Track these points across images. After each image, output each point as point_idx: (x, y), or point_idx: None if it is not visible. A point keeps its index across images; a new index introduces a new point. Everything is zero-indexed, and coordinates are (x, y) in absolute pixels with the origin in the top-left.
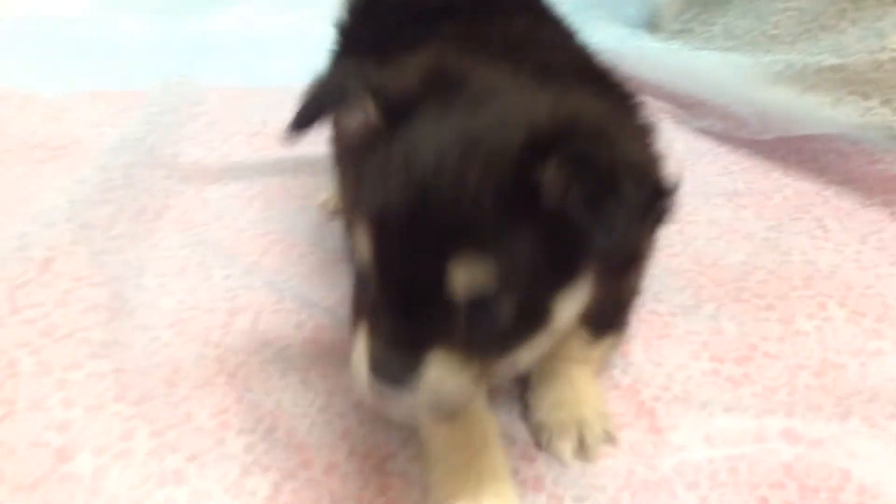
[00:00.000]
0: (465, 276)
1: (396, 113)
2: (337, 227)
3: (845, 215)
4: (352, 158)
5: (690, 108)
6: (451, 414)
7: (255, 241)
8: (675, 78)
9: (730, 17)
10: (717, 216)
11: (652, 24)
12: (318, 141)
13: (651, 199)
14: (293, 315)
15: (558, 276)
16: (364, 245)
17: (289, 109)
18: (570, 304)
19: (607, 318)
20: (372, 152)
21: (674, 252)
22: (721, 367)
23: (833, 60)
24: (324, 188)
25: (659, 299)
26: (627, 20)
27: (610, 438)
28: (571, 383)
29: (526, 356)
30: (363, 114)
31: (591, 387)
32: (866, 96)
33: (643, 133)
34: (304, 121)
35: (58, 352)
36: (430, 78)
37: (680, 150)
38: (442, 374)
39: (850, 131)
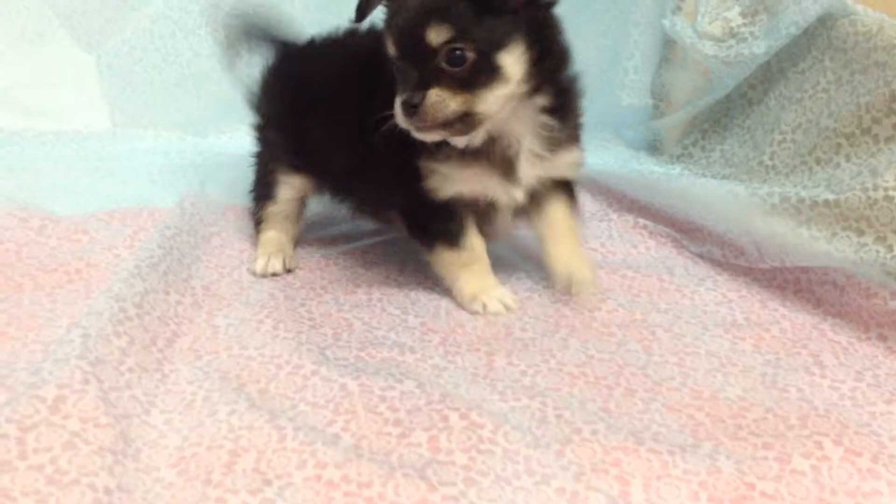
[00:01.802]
0: (435, 34)
1: None
2: (339, 349)
3: (841, 350)
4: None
5: (689, 233)
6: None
7: (262, 369)
8: (675, 202)
9: (728, 145)
10: (715, 348)
11: (653, 148)
12: None
13: None
14: (295, 454)
15: (498, 39)
16: (391, 45)
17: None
18: (513, 61)
19: (561, 104)
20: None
21: (674, 385)
22: None
23: (828, 195)
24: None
25: (657, 439)
26: (629, 143)
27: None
28: (576, 247)
29: (493, 101)
30: None
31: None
32: (860, 233)
33: None
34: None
35: (63, 500)
36: None
37: (680, 275)
38: (436, 100)
39: (845, 266)
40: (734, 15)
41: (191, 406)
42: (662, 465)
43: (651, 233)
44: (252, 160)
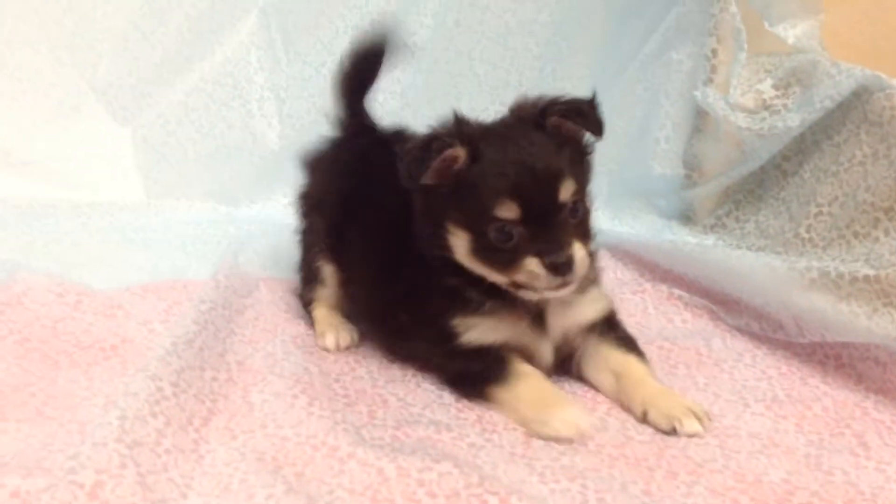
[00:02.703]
0: (566, 190)
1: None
2: (375, 428)
3: (885, 430)
4: (457, 181)
5: (726, 305)
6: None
7: (299, 450)
8: (711, 274)
9: (762, 216)
10: (757, 428)
11: (686, 218)
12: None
13: (594, 103)
14: None
15: (583, 187)
16: (511, 209)
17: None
18: (586, 207)
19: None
20: (468, 169)
21: (716, 468)
22: None
23: (867, 271)
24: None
25: None
26: (661, 212)
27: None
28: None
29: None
30: (455, 151)
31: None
32: None
33: None
34: (419, 169)
35: None
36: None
37: (718, 349)
38: (582, 253)
39: (887, 342)
40: (767, 87)
41: (227, 489)
42: None
43: (686, 304)
44: (296, 236)
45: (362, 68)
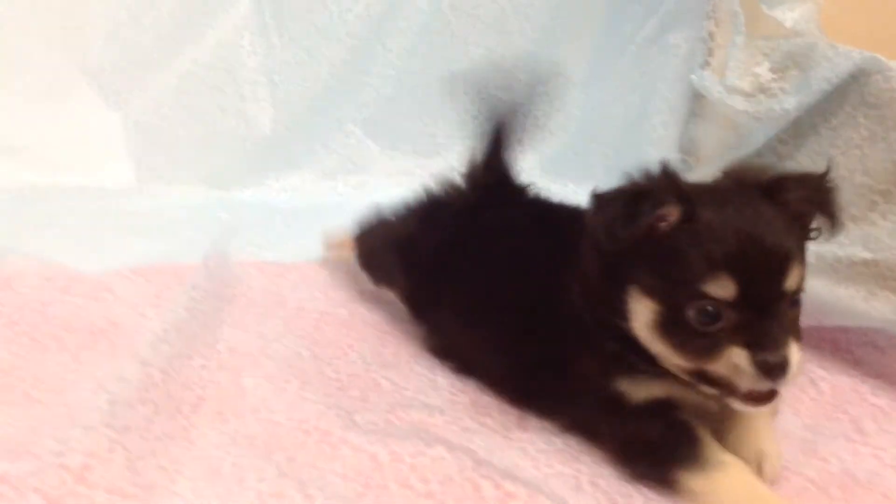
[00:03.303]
0: (794, 276)
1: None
2: (367, 412)
3: (882, 415)
4: (657, 242)
5: None
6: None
7: (290, 435)
8: None
9: None
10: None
11: None
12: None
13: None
14: None
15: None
16: (726, 287)
17: (321, 290)
18: None
19: None
20: (681, 232)
21: None
22: None
23: (865, 254)
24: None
25: None
26: None
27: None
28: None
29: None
30: (668, 209)
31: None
32: None
33: None
34: (626, 227)
35: None
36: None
37: None
38: (797, 356)
39: (885, 326)
40: (764, 70)
41: (218, 473)
42: None
43: None
44: None
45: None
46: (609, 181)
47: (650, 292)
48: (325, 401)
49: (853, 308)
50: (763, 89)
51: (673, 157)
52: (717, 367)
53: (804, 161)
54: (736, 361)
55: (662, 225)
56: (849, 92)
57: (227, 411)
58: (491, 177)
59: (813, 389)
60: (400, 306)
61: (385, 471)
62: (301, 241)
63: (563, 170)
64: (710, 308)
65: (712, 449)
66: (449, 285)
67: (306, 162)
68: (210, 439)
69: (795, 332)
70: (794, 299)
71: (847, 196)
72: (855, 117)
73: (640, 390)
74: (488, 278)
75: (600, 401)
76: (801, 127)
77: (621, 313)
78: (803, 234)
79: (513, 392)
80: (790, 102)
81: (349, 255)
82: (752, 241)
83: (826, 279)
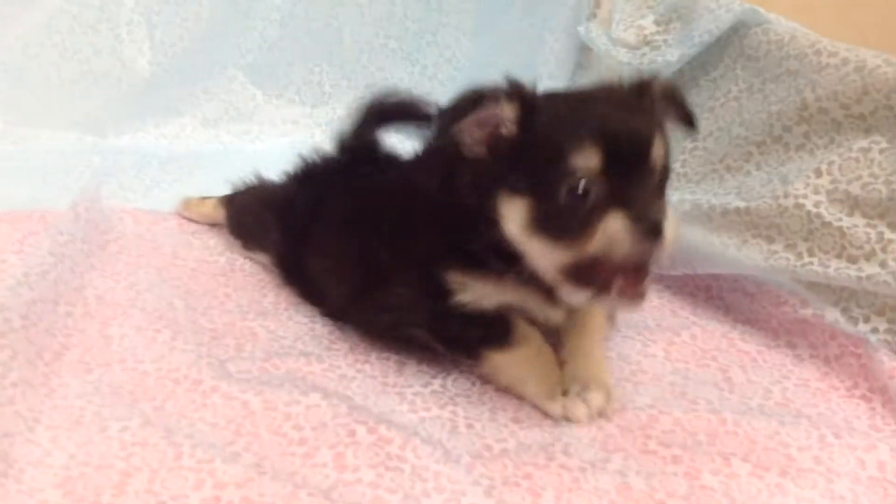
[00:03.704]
0: (658, 151)
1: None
2: (242, 361)
3: (750, 361)
4: (512, 144)
5: None
6: None
7: (159, 384)
8: None
9: None
10: (627, 351)
11: None
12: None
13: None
14: (192, 473)
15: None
16: (592, 158)
17: (200, 238)
18: None
19: None
20: (533, 126)
21: None
22: None
23: (738, 203)
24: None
25: (568, 453)
26: None
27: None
28: (591, 353)
29: None
30: (502, 106)
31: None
32: (770, 240)
33: None
34: (452, 120)
35: None
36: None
37: None
38: (675, 223)
39: (755, 273)
40: (648, 23)
41: (79, 422)
42: (573, 480)
43: None
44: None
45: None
46: None
47: (519, 190)
48: (198, 350)
49: (726, 256)
50: (647, 41)
51: None
52: (595, 243)
53: None
54: (612, 228)
55: (505, 132)
56: (729, 44)
57: (91, 360)
58: (359, 144)
59: (685, 333)
60: None
61: (257, 418)
62: (179, 189)
63: None
64: (579, 183)
65: (518, 328)
66: (317, 239)
67: (187, 108)
68: (72, 388)
69: (664, 205)
70: (662, 178)
71: (724, 147)
72: (734, 69)
73: (469, 296)
74: (351, 225)
75: (428, 294)
76: (684, 79)
77: (495, 221)
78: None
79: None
80: (673, 54)
81: (208, 216)
82: (612, 114)
83: (701, 227)
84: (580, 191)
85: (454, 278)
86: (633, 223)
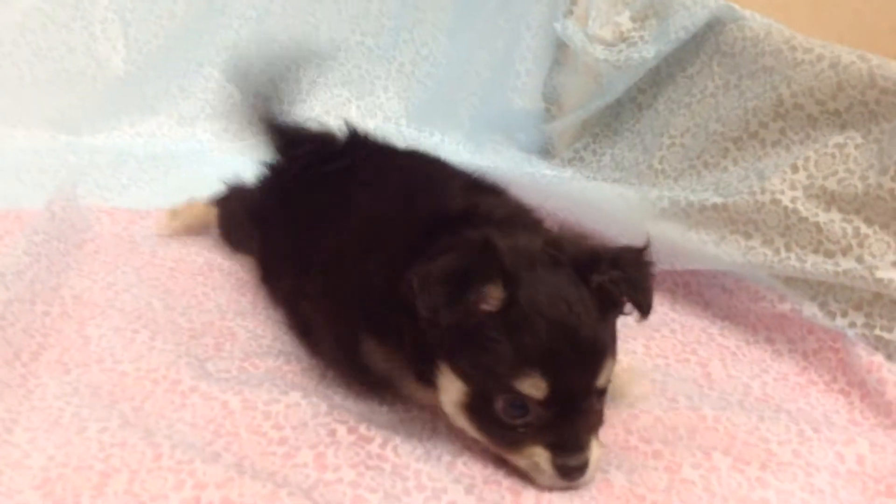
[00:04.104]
0: (606, 375)
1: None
2: (221, 361)
3: (730, 356)
4: (475, 324)
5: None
6: None
7: (138, 384)
8: (568, 206)
9: (618, 149)
10: None
11: (545, 151)
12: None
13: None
14: (172, 474)
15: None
16: (538, 387)
17: (178, 238)
18: None
19: None
20: (500, 317)
21: None
22: None
23: (716, 199)
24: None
25: None
26: (521, 146)
27: None
28: None
29: None
30: (492, 290)
31: None
32: (748, 236)
33: None
34: (450, 307)
35: None
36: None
37: None
38: (596, 457)
39: (733, 269)
40: (624, 19)
41: (57, 423)
42: None
43: None
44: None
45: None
46: (474, 129)
47: (462, 374)
48: (176, 350)
49: (704, 252)
50: (623, 38)
51: (536, 106)
52: (518, 459)
53: (662, 110)
54: (537, 460)
55: (483, 307)
56: (705, 41)
57: (69, 361)
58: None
59: (665, 328)
60: None
61: (237, 418)
62: (156, 188)
63: (429, 118)
64: (518, 403)
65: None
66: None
67: (163, 106)
68: (50, 389)
69: (598, 424)
70: (602, 392)
71: (701, 144)
72: (710, 66)
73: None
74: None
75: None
76: (660, 75)
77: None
78: (615, 315)
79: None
80: (649, 51)
81: (201, 218)
82: (567, 340)
83: (678, 224)
84: (518, 409)
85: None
86: (559, 462)
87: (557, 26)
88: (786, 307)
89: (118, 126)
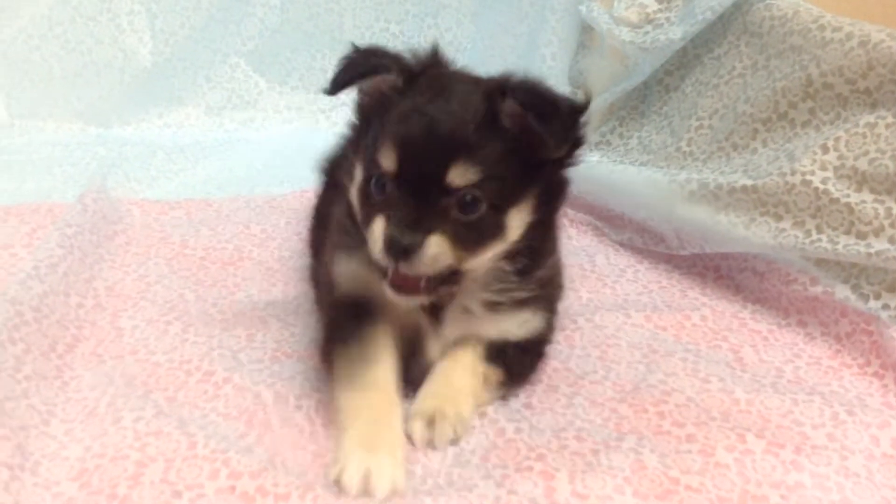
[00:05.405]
0: (460, 173)
1: (409, 80)
2: (253, 351)
3: (761, 340)
4: (374, 107)
5: (610, 221)
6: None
7: (171, 375)
8: (595, 190)
9: (645, 132)
10: (637, 339)
11: None
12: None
13: (575, 112)
14: (207, 463)
15: (514, 194)
16: (389, 158)
17: (208, 227)
18: (518, 222)
19: (529, 265)
20: (391, 103)
21: (596, 379)
22: None
23: (745, 181)
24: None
25: (581, 437)
26: None
27: (457, 437)
28: (449, 382)
29: (483, 260)
30: (389, 78)
31: (464, 391)
32: (778, 218)
33: None
34: (342, 83)
35: None
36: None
37: (601, 264)
38: (436, 252)
39: (764, 251)
40: (650, 1)
41: (93, 414)
42: (587, 463)
43: (572, 220)
44: None
45: None
46: None
47: (361, 157)
48: (209, 342)
49: (734, 235)
50: (649, 20)
51: (563, 90)
52: (369, 235)
53: (689, 92)
54: (375, 230)
55: (385, 91)
56: (732, 21)
57: (104, 352)
58: None
59: (696, 315)
60: (288, 244)
61: (269, 410)
62: (185, 179)
63: None
64: (380, 180)
65: (378, 363)
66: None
67: (190, 97)
68: (85, 380)
69: (463, 240)
70: (466, 203)
71: (730, 125)
72: (738, 46)
73: (348, 281)
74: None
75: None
76: (687, 57)
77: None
78: (519, 150)
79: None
80: (676, 32)
81: None
82: (426, 127)
83: (708, 206)
84: (378, 185)
85: (339, 264)
86: (388, 233)
87: (582, 9)
88: (818, 290)
89: (146, 117)
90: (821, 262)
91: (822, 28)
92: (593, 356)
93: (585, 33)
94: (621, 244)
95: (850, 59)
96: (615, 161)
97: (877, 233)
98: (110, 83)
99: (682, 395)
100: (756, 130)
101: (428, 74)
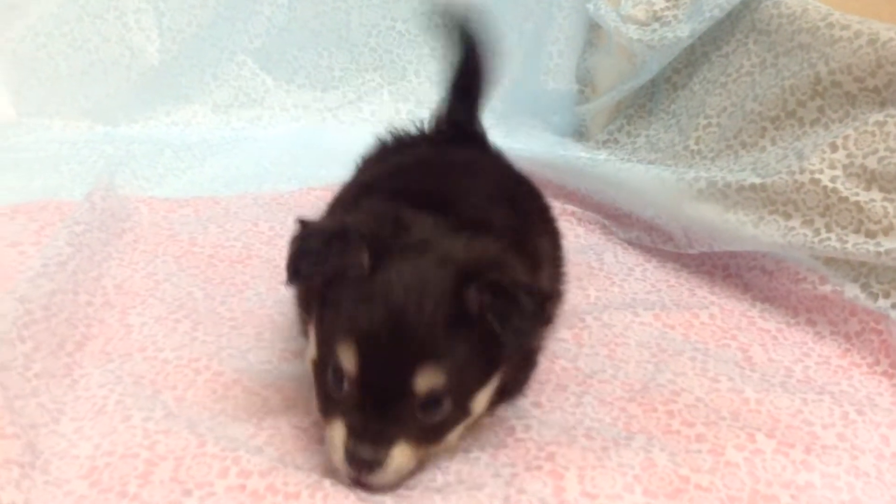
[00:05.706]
0: (427, 381)
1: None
2: (261, 350)
3: (770, 339)
4: (335, 290)
5: (618, 219)
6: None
7: (180, 373)
8: (603, 188)
9: (653, 130)
10: (645, 338)
11: (579, 133)
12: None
13: (540, 306)
14: (217, 461)
15: (480, 381)
16: (350, 360)
17: (216, 224)
18: (484, 398)
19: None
20: (355, 287)
21: (605, 378)
22: (654, 502)
23: (754, 179)
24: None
25: (591, 436)
26: (555, 128)
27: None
28: None
29: (450, 438)
30: (356, 258)
31: None
32: (787, 216)
33: (532, 259)
34: (304, 275)
35: None
36: (394, 230)
37: (609, 262)
38: (402, 462)
39: (773, 250)
40: None
41: (102, 412)
42: (597, 459)
43: (580, 219)
44: None
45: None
46: (507, 112)
47: (317, 335)
48: (218, 341)
49: (743, 233)
50: (657, 17)
51: (570, 88)
52: (328, 436)
53: (697, 90)
54: (334, 435)
55: (351, 270)
56: (740, 19)
57: (112, 351)
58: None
59: (704, 313)
60: None
61: (279, 415)
62: (193, 177)
63: None
64: (339, 375)
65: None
66: None
67: (197, 95)
68: (94, 378)
69: (416, 433)
70: (431, 406)
71: (738, 123)
72: (746, 44)
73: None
74: None
75: None
76: (694, 55)
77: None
78: (488, 338)
79: None
80: (683, 30)
81: None
82: (389, 324)
83: (716, 205)
84: (337, 380)
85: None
86: (349, 446)
87: (590, 7)
88: (827, 289)
89: (154, 115)
90: (830, 261)
91: (830, 26)
92: (602, 355)
93: (593, 31)
94: (629, 242)
95: (858, 58)
96: (623, 159)
97: (886, 231)
98: (117, 81)
99: (691, 394)
100: (764, 129)
101: (398, 250)
